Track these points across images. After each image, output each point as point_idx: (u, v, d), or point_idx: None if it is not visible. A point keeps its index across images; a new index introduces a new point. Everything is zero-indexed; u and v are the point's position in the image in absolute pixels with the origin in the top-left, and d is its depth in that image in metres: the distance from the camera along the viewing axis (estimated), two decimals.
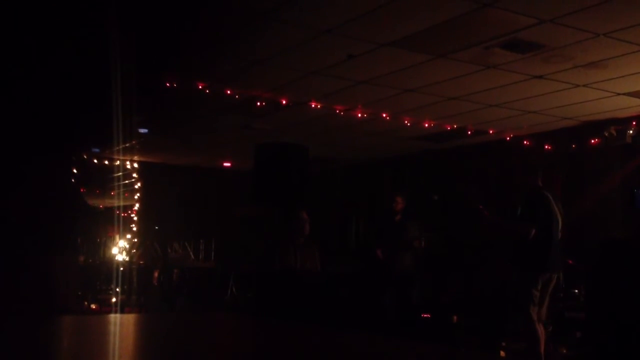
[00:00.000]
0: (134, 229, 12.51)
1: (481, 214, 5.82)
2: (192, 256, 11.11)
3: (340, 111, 8.34)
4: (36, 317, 3.02)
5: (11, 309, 4.75)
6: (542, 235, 5.50)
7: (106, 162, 11.83)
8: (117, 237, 12.30)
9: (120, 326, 2.88)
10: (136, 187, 12.44)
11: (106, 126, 6.82)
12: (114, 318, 3.74)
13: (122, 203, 12.57)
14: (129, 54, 5.61)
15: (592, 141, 8.68)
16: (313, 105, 8.09)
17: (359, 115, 8.48)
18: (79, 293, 8.26)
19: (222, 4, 5.27)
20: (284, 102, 7.93)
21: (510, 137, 9.56)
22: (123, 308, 9.79)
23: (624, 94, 7.37)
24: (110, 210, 13.84)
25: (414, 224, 7.47)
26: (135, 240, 12.31)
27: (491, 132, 9.34)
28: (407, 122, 8.82)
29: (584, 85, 7.09)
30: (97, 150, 11.11)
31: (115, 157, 11.78)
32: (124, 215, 12.49)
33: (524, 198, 5.71)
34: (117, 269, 11.33)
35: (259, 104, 7.97)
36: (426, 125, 8.94)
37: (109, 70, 5.70)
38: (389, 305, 7.07)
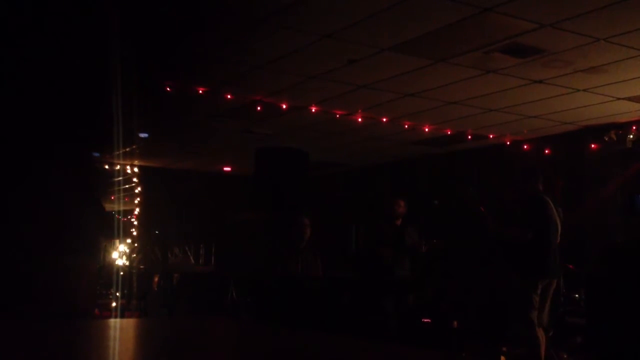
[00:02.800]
0: (134, 233, 12.50)
1: (482, 216, 5.84)
2: (192, 261, 11.10)
3: (340, 116, 8.35)
4: (40, 321, 3.02)
5: (25, 310, 4.76)
6: (540, 240, 5.51)
7: (106, 167, 11.83)
8: (117, 241, 12.29)
9: (120, 331, 2.87)
10: (136, 191, 12.43)
11: (106, 130, 6.83)
12: (114, 323, 3.73)
13: (122, 207, 12.57)
14: (129, 58, 5.61)
15: (592, 146, 8.68)
16: (313, 110, 8.09)
17: (359, 119, 8.48)
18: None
19: (222, 9, 5.28)
20: (284, 106, 7.93)
21: (510, 142, 9.57)
22: (123, 313, 9.77)
23: (623, 98, 7.37)
24: (109, 214, 13.81)
25: (414, 228, 7.45)
26: (135, 244, 12.30)
27: (491, 136, 9.34)
28: (407, 127, 8.82)
29: (583, 90, 7.10)
30: (97, 154, 11.10)
31: (116, 161, 11.78)
32: (124, 220, 12.49)
33: (524, 202, 5.71)
34: (117, 273, 11.32)
35: (259, 108, 7.97)
36: (426, 129, 8.95)
37: (109, 74, 5.70)
38: (390, 311, 7.06)
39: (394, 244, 7.22)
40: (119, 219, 11.73)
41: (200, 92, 7.38)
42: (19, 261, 5.08)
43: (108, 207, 13.52)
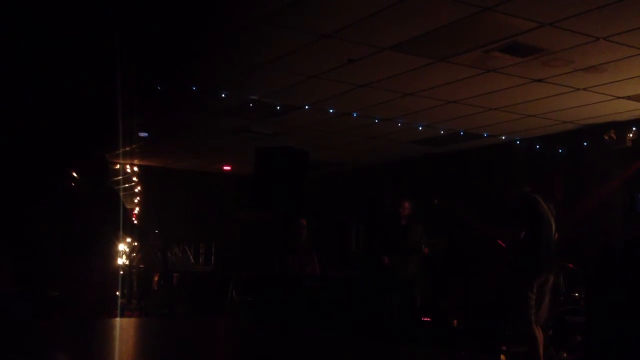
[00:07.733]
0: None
1: (466, 223, 5.87)
2: (192, 260, 11.09)
3: (340, 115, 8.34)
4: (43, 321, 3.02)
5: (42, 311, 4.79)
6: (532, 238, 5.52)
7: None
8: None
9: (120, 330, 2.88)
10: (136, 190, 12.42)
11: (106, 129, 6.83)
12: (114, 322, 3.74)
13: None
14: (130, 58, 5.62)
15: (592, 145, 8.67)
16: (313, 109, 8.08)
17: (359, 119, 8.47)
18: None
19: (222, 9, 5.28)
20: (283, 106, 7.93)
21: (510, 141, 9.56)
22: (123, 312, 9.75)
23: (623, 97, 7.37)
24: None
25: (419, 228, 7.46)
26: (135, 244, 12.28)
27: (491, 135, 9.34)
28: (407, 126, 8.82)
29: (583, 89, 7.10)
30: None
31: (116, 160, 11.78)
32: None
33: (511, 203, 5.74)
34: (117, 272, 11.29)
35: (258, 108, 7.96)
36: (426, 129, 8.94)
37: (110, 74, 5.71)
38: (394, 310, 7.06)
39: (397, 245, 7.22)
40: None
41: (200, 91, 7.37)
42: (44, 262, 5.10)
43: None
